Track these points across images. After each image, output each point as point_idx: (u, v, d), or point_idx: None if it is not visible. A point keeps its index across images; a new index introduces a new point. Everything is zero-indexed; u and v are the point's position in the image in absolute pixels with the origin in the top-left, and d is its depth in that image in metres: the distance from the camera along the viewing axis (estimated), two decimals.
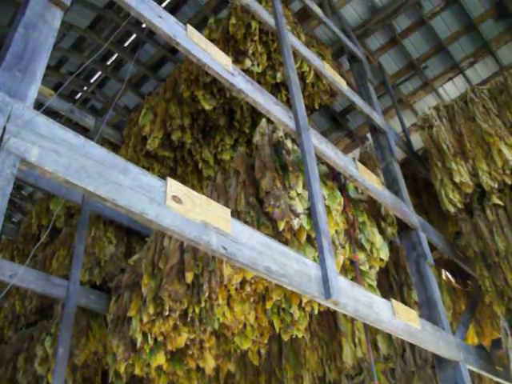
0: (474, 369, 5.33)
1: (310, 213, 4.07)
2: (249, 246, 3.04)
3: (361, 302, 3.80)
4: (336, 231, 4.93)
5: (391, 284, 6.52)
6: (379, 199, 5.30)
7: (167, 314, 4.90)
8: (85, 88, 9.49)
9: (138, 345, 5.06)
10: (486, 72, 8.72)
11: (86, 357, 6.49)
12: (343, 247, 4.99)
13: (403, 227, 5.85)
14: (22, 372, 6.96)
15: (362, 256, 5.19)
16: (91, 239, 7.41)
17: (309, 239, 4.68)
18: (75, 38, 8.52)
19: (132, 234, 7.78)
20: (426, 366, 5.92)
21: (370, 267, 5.31)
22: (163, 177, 7.59)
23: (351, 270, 5.17)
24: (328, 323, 6.70)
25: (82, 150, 2.41)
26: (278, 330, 5.15)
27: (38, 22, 2.66)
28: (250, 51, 6.40)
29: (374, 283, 5.28)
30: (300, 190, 4.67)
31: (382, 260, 5.41)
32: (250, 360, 7.11)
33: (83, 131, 9.19)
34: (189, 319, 5.00)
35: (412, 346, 6.15)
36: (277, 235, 4.61)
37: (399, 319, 4.18)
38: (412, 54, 8.62)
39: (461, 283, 7.64)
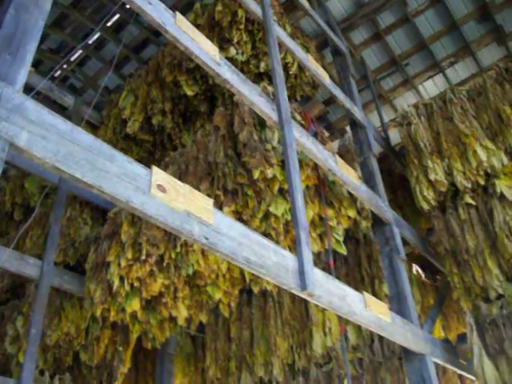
0: (440, 361, 5.50)
1: (290, 204, 4.14)
2: (229, 237, 3.09)
3: (335, 294, 3.89)
4: (307, 186, 5.23)
5: (363, 277, 6.66)
6: (356, 193, 5.39)
7: (144, 258, 5.18)
8: (64, 66, 9.34)
9: (115, 288, 5.33)
10: (465, 72, 8.86)
11: (57, 337, 6.49)
12: (313, 202, 5.30)
13: (378, 221, 5.96)
14: None
15: (330, 212, 5.51)
16: (66, 220, 7.37)
17: (281, 192, 5.05)
18: (57, 15, 8.37)
19: None
20: (393, 358, 6.09)
21: (338, 223, 5.63)
22: (141, 160, 7.59)
23: (320, 225, 5.47)
24: (299, 312, 6.82)
25: (70, 136, 2.42)
26: (248, 280, 5.51)
27: (29, 3, 2.64)
28: (235, 39, 6.40)
29: (341, 238, 5.65)
30: (275, 144, 5.02)
31: (349, 218, 5.73)
32: (221, 345, 7.26)
33: (61, 110, 9.08)
34: (164, 265, 5.28)
35: (380, 338, 6.31)
36: (252, 184, 5.00)
37: (371, 312, 4.29)
38: (394, 51, 8.69)
39: (430, 278, 7.83)
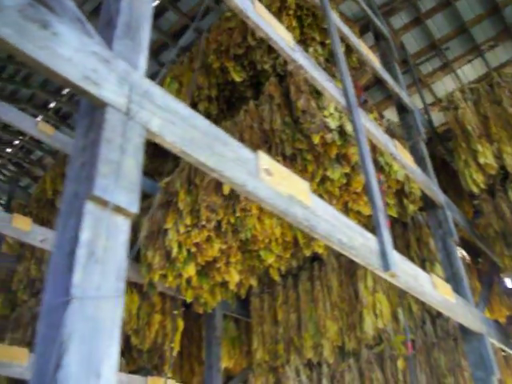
0: (495, 341, 5.58)
1: (364, 187, 4.21)
2: (324, 219, 3.16)
3: (410, 274, 3.97)
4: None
5: (413, 259, 6.72)
6: (413, 176, 5.44)
7: (203, 224, 5.43)
8: None
9: (173, 254, 5.61)
10: (505, 56, 8.81)
11: None
12: None
13: (430, 205, 6.00)
14: None
15: (381, 177, 5.73)
16: None
17: (337, 157, 5.33)
18: (98, 3, 8.41)
19: None
20: (447, 338, 6.16)
21: (389, 187, 5.97)
22: None
23: None
24: (348, 295, 6.91)
25: (191, 122, 2.47)
26: (301, 243, 5.80)
27: None
28: (284, 25, 6.41)
29: (392, 201, 6.01)
30: (332, 110, 5.29)
31: (398, 182, 6.05)
32: (268, 329, 7.37)
33: None
34: (222, 230, 5.55)
35: (432, 319, 6.39)
36: (310, 149, 5.27)
37: (438, 292, 4.38)
38: (434, 35, 8.65)
39: (472, 261, 7.88)
